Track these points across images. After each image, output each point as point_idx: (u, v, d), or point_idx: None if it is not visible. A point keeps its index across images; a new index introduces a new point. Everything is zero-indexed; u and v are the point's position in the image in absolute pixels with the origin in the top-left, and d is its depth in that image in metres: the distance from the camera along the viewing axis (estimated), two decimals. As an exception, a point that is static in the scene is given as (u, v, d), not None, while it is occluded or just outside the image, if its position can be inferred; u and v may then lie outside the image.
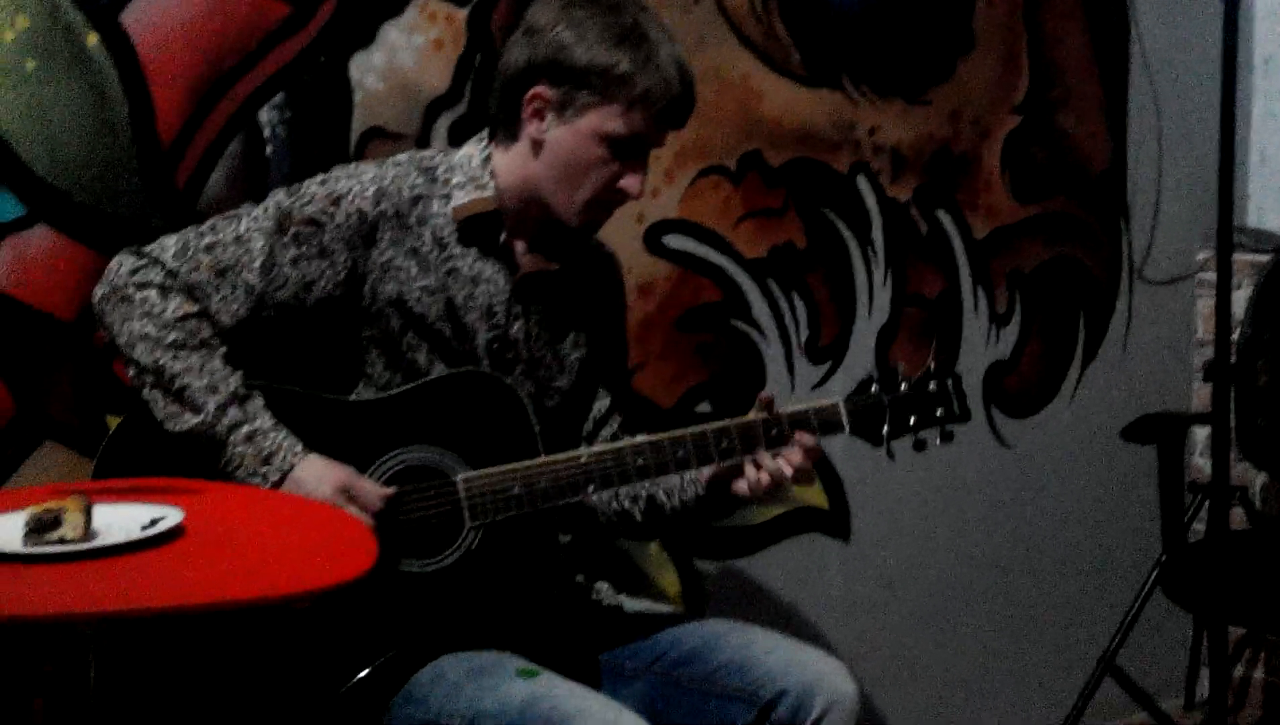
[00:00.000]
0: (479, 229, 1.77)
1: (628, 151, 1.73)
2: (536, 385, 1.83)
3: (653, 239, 2.35)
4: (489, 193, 1.77)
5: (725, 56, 2.39)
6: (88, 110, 1.86)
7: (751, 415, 1.79)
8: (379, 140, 2.07)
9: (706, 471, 1.81)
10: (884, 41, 2.58)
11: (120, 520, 1.43)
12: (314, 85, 2.01)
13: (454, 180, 1.78)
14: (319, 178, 1.76)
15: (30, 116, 1.82)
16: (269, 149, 1.99)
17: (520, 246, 1.81)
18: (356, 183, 1.74)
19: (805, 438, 1.78)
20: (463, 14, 2.13)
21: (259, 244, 1.71)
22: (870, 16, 2.56)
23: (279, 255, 1.71)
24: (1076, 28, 2.87)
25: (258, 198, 1.86)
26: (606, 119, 1.71)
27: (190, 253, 1.70)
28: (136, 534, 1.40)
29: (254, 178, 1.98)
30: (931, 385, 1.85)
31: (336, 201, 1.73)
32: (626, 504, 1.90)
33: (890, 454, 1.84)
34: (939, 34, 2.67)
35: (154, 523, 1.42)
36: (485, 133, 1.82)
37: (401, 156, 1.81)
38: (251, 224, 1.72)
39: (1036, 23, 2.80)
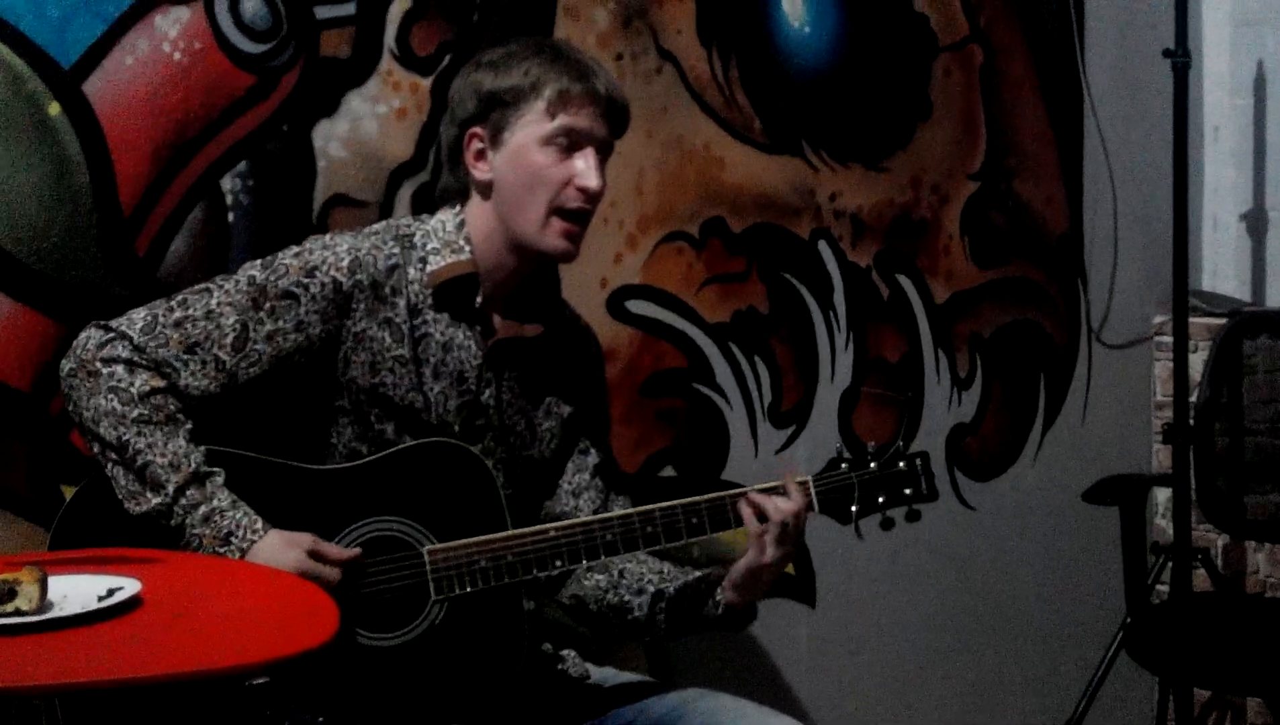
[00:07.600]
0: (454, 294, 1.77)
1: (569, 149, 1.74)
2: (507, 452, 1.82)
3: (616, 304, 2.35)
4: (465, 256, 1.77)
5: (687, 125, 2.42)
6: (48, 179, 1.85)
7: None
8: (342, 208, 2.07)
9: (731, 592, 1.78)
10: (843, 109, 2.62)
11: (76, 591, 1.41)
12: (277, 153, 2.02)
13: (429, 246, 1.78)
14: (293, 250, 1.75)
15: (-10, 185, 1.81)
16: (231, 217, 1.98)
17: (495, 312, 1.81)
18: (331, 253, 1.74)
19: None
20: (426, 82, 2.15)
21: (230, 320, 1.70)
22: (829, 84, 2.60)
23: (253, 331, 1.70)
24: (1032, 96, 2.92)
25: (219, 266, 1.85)
26: (534, 124, 1.74)
27: (158, 328, 1.69)
28: (93, 605, 1.38)
29: (216, 246, 1.97)
30: (900, 464, 1.85)
31: (311, 273, 1.72)
32: (626, 597, 1.84)
33: (858, 533, 1.84)
34: (897, 102, 2.71)
35: (110, 593, 1.40)
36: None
37: (378, 226, 1.80)
38: (224, 297, 1.71)
39: (993, 91, 2.85)
